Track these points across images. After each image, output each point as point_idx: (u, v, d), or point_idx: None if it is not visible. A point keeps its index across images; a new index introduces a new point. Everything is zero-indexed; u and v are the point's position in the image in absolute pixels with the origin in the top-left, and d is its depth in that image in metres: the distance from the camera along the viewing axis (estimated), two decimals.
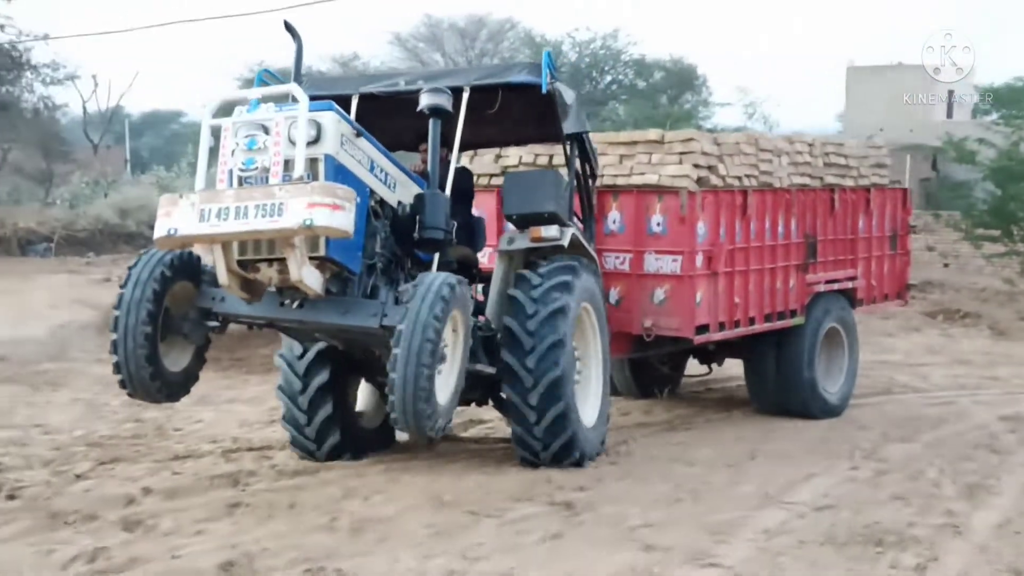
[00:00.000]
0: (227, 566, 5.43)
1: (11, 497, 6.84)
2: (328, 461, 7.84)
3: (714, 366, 11.20)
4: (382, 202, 6.84)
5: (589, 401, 7.99)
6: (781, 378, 10.09)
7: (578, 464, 7.54)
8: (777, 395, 10.16)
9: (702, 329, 9.09)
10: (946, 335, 17.35)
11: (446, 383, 6.31)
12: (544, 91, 7.41)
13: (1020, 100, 38.25)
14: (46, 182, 31.09)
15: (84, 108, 37.81)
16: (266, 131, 6.03)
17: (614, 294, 9.06)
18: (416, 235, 6.91)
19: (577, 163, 8.27)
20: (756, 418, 10.11)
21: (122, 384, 6.47)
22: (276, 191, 5.69)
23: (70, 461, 7.95)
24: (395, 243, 6.94)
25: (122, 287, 6.39)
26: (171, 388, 6.66)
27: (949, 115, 43.42)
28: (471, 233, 8.05)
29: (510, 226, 7.98)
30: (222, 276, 6.11)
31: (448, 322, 6.19)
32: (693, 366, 11.37)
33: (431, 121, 7.03)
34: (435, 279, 6.23)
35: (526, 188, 7.83)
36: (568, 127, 7.83)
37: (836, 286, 10.58)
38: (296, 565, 5.50)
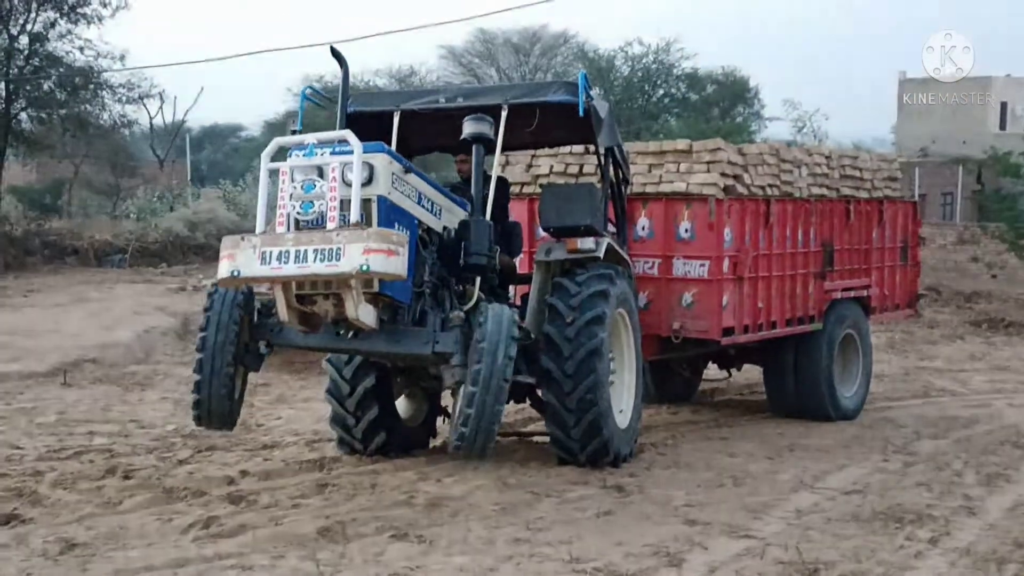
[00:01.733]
0: (324, 531, 6.24)
1: (126, 477, 7.71)
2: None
3: (732, 371, 11.75)
4: (429, 230, 7.25)
5: (623, 403, 8.40)
6: (800, 383, 10.54)
7: (613, 464, 7.95)
8: (796, 400, 10.62)
9: (728, 331, 9.54)
10: (988, 343, 17.80)
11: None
12: (581, 113, 7.80)
13: None
14: (114, 196, 32.29)
15: (151, 124, 39.14)
16: (321, 174, 6.39)
17: (643, 298, 9.49)
18: (462, 261, 7.33)
19: (611, 173, 8.66)
20: (794, 419, 10.77)
21: (197, 419, 7.05)
22: (334, 236, 6.07)
23: (171, 449, 8.82)
24: (442, 267, 7.30)
25: (203, 330, 6.89)
26: (235, 415, 7.21)
27: (1002, 127, 43.48)
28: (509, 240, 8.43)
29: (542, 234, 8.45)
30: (282, 313, 6.52)
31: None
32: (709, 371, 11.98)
33: (474, 147, 7.45)
34: (503, 317, 6.55)
35: (563, 200, 8.22)
36: (603, 141, 8.26)
37: (852, 294, 11.08)
38: (383, 532, 6.31)
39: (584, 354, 7.64)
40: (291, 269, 6.09)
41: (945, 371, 14.67)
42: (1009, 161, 21.34)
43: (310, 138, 6.59)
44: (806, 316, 10.43)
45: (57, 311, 16.00)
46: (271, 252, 6.10)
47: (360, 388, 8.24)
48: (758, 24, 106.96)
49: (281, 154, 6.68)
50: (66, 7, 24.11)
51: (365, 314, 6.45)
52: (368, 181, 6.47)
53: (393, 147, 7.62)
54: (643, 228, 9.65)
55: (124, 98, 29.89)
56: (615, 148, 8.55)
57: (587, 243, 8.00)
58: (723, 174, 9.45)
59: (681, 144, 9.77)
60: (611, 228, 8.87)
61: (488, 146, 7.63)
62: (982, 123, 41.64)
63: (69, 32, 24.61)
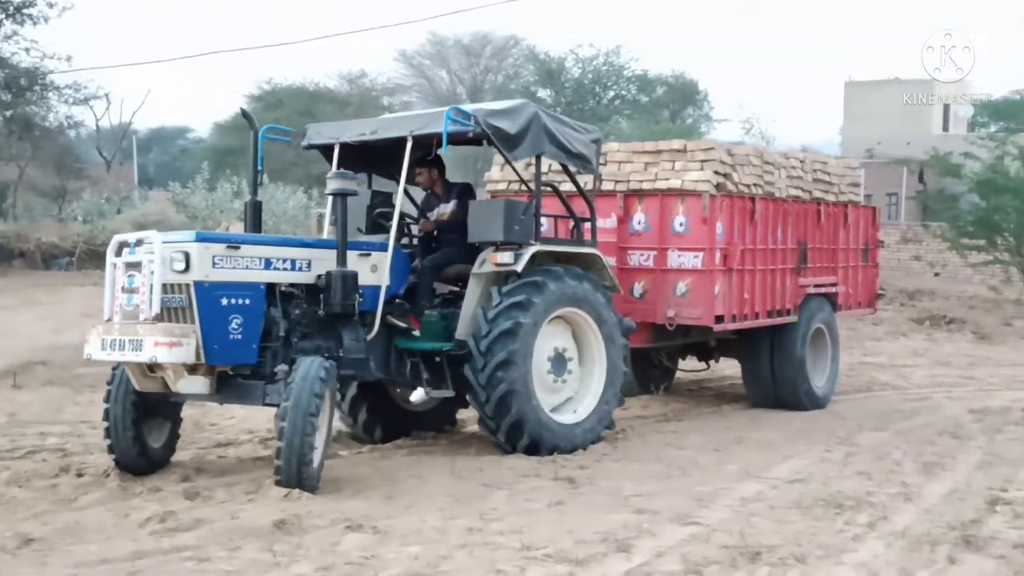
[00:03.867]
0: (280, 524, 6.32)
1: (80, 475, 7.74)
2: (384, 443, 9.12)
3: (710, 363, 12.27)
4: (293, 284, 7.85)
5: (587, 398, 8.88)
6: (776, 374, 11.11)
7: (552, 452, 8.36)
8: (772, 390, 11.17)
9: (719, 319, 10.17)
10: (931, 339, 18.26)
11: (317, 443, 7.15)
12: (445, 149, 8.32)
13: (1018, 113, 39.17)
14: (60, 198, 32.01)
15: (98, 126, 38.82)
16: (140, 271, 7.24)
17: (639, 288, 10.17)
18: (321, 311, 7.90)
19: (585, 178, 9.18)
20: (744, 411, 11.06)
21: (116, 461, 7.76)
22: (139, 329, 7.13)
23: None
24: (326, 307, 7.89)
25: (106, 402, 7.80)
26: (153, 461, 7.89)
27: (945, 128, 44.24)
28: (472, 248, 8.76)
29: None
30: (135, 382, 7.54)
31: (323, 400, 7.14)
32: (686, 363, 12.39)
33: (338, 201, 7.88)
34: (312, 363, 7.17)
35: (483, 216, 8.65)
36: (521, 154, 8.63)
37: (823, 290, 11.72)
38: (338, 524, 6.42)
39: (494, 365, 8.17)
40: (117, 356, 7.25)
41: (888, 366, 15.04)
42: (949, 162, 21.81)
43: (133, 237, 7.50)
44: (784, 309, 11.03)
45: (6, 314, 15.94)
46: (107, 340, 7.24)
47: (348, 394, 9.04)
48: (708, 28, 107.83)
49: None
50: (11, 7, 23.92)
51: (187, 385, 7.37)
52: (186, 268, 7.24)
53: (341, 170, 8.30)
54: (639, 222, 10.31)
55: (70, 99, 29.71)
56: (547, 152, 8.79)
57: (506, 257, 8.42)
58: (716, 172, 10.06)
59: (676, 144, 10.41)
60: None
61: (347, 198, 7.93)
62: (926, 125, 42.34)
63: (15, 33, 24.45)
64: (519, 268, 8.40)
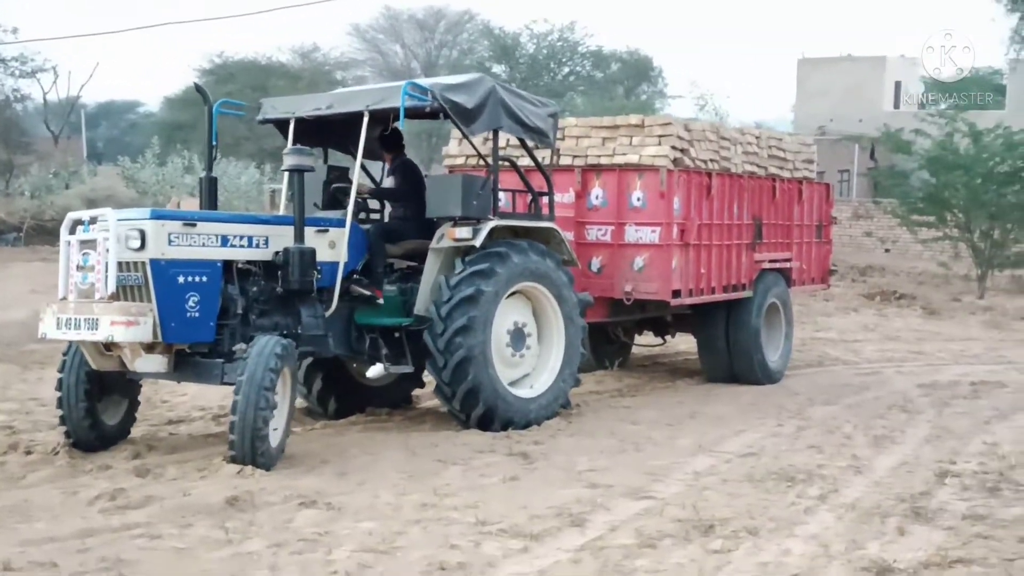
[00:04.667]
0: (232, 501, 6.27)
1: (28, 452, 7.63)
2: (338, 419, 9.12)
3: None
4: (251, 262, 7.81)
5: (544, 373, 8.97)
6: (732, 348, 11.23)
7: (506, 427, 8.43)
8: (727, 363, 11.29)
9: (676, 293, 10.23)
10: (881, 315, 18.46)
11: (278, 424, 7.22)
12: (401, 125, 8.31)
13: (966, 90, 39.44)
14: (7, 173, 31.51)
15: (45, 99, 38.21)
16: (95, 249, 7.15)
17: (596, 263, 10.20)
18: (279, 287, 7.87)
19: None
20: (697, 386, 11.13)
21: (66, 434, 7.69)
22: (95, 308, 7.04)
23: None
24: (284, 284, 7.84)
25: (60, 371, 7.73)
26: (107, 437, 7.81)
27: (896, 106, 44.62)
28: (427, 224, 8.81)
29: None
30: (90, 360, 7.45)
31: (279, 376, 7.12)
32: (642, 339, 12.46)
33: (295, 177, 7.86)
34: (269, 340, 7.16)
35: (440, 192, 8.70)
36: (479, 128, 8.65)
37: (777, 265, 11.84)
38: (291, 500, 6.38)
39: (453, 331, 8.20)
40: (72, 335, 7.18)
41: (839, 341, 15.19)
42: (900, 139, 22.01)
43: (86, 215, 7.40)
44: (740, 284, 11.13)
45: None
46: (62, 319, 7.17)
47: (303, 366, 8.87)
48: (663, 5, 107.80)
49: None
50: None
51: (144, 364, 7.35)
52: (141, 246, 7.17)
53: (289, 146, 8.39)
54: (596, 197, 10.33)
55: (17, 72, 29.23)
56: (503, 127, 8.82)
57: (464, 232, 8.45)
58: (673, 147, 10.09)
59: (634, 119, 10.44)
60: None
61: (304, 174, 7.92)
62: (877, 102, 42.66)
63: None
64: (477, 243, 8.43)
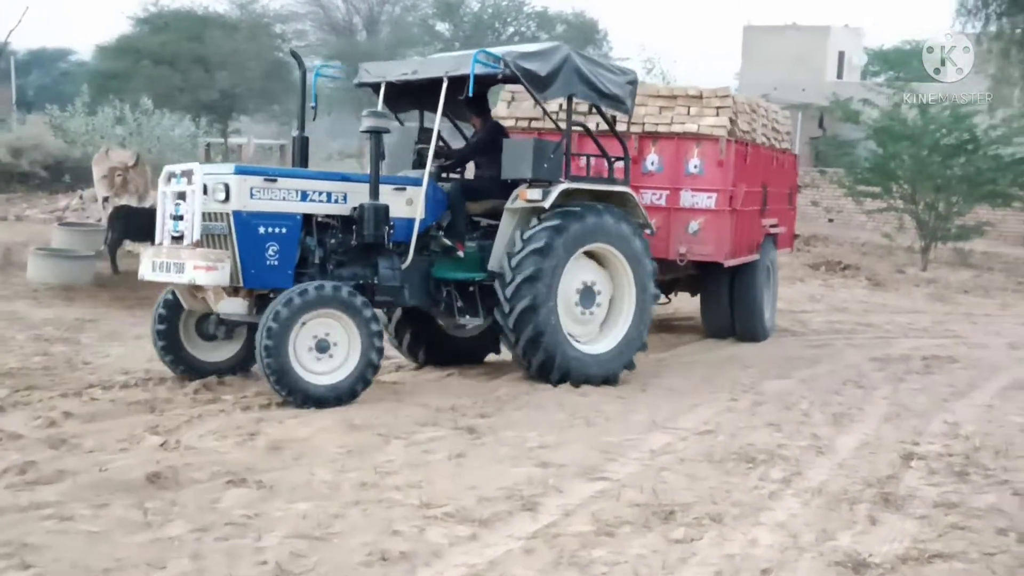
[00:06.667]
0: (153, 477, 5.76)
1: None
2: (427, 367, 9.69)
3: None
4: (329, 216, 8.34)
5: (614, 330, 9.33)
6: (736, 307, 11.88)
7: (584, 383, 8.85)
8: (728, 322, 12.02)
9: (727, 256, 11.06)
10: (827, 285, 18.31)
11: (338, 366, 7.80)
12: (471, 93, 8.49)
13: (908, 63, 39.29)
14: None
15: None
16: (185, 199, 7.87)
17: None
18: (355, 241, 8.33)
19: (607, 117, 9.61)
20: (646, 356, 10.73)
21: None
22: (182, 253, 7.81)
23: None
24: (359, 238, 8.32)
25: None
26: (205, 372, 8.57)
27: (839, 76, 44.62)
28: (507, 185, 9.09)
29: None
30: (183, 301, 8.39)
31: (310, 320, 7.65)
32: None
33: (372, 137, 8.23)
34: (295, 288, 7.69)
35: (515, 155, 9.02)
36: (552, 94, 8.96)
37: (774, 231, 12.67)
38: (218, 478, 5.88)
39: (521, 280, 8.57)
40: (162, 276, 8.05)
41: (786, 312, 14.93)
42: (849, 108, 21.79)
43: (179, 168, 8.11)
44: (754, 247, 11.94)
45: None
46: (156, 262, 8.06)
47: (395, 316, 9.60)
48: None
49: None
50: None
51: (226, 307, 8.04)
52: (225, 198, 7.80)
53: (379, 108, 9.05)
54: (652, 163, 10.95)
55: None
56: (578, 94, 9.11)
57: (535, 193, 8.79)
58: (729, 119, 10.86)
59: (692, 90, 11.18)
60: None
61: (383, 135, 8.37)
62: (821, 71, 42.62)
63: None
64: (547, 204, 8.75)
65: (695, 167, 10.79)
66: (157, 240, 8.14)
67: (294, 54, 9.33)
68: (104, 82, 36.55)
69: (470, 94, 8.50)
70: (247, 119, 45.25)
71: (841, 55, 45.91)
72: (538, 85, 8.72)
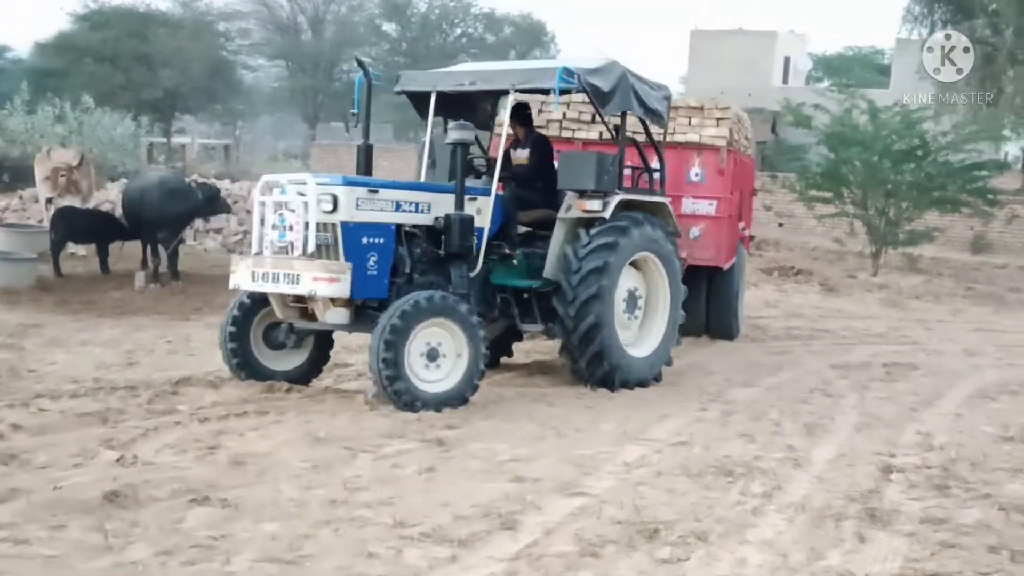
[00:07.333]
0: (112, 496, 5.47)
1: None
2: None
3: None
4: (416, 226, 8.51)
5: (652, 335, 9.65)
6: (711, 307, 12.16)
7: (625, 385, 9.16)
8: (703, 320, 12.21)
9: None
10: (781, 290, 18.29)
11: (447, 374, 7.99)
12: (555, 108, 9.63)
13: (850, 69, 39.62)
14: None
15: None
16: (293, 209, 7.92)
17: None
18: (442, 250, 8.52)
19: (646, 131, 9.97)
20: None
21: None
22: (295, 264, 7.85)
23: None
24: (437, 249, 8.55)
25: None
26: (266, 379, 8.55)
27: (785, 81, 44.97)
28: (553, 194, 9.45)
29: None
30: (278, 311, 8.39)
31: (422, 329, 7.79)
32: None
33: (458, 149, 8.48)
34: (406, 299, 7.82)
35: (576, 166, 9.31)
36: (611, 109, 9.22)
37: (744, 233, 13.28)
38: (180, 495, 5.60)
39: (584, 300, 8.85)
40: (269, 287, 8.09)
41: (744, 317, 14.83)
42: (801, 113, 21.82)
43: (284, 179, 8.35)
44: (734, 249, 12.48)
45: None
46: (257, 272, 8.09)
47: None
48: None
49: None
50: None
51: (332, 316, 8.10)
52: (333, 209, 7.91)
53: (430, 119, 9.41)
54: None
55: None
56: (633, 109, 9.40)
57: (594, 204, 9.06)
58: (730, 130, 11.49)
59: (693, 101, 11.83)
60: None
61: (468, 148, 8.75)
62: (767, 76, 42.92)
63: None
64: (607, 215, 9.05)
65: (696, 175, 11.40)
66: (254, 250, 8.27)
67: (359, 62, 9.32)
68: (43, 80, 35.81)
69: (555, 107, 9.58)
70: (190, 118, 44.60)
71: (787, 60, 46.29)
72: (601, 100, 9.01)
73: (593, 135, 11.63)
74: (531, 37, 52.26)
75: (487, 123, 10.25)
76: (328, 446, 6.78)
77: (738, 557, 5.05)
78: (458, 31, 53.48)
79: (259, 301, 8.54)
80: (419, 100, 9.63)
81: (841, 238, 22.49)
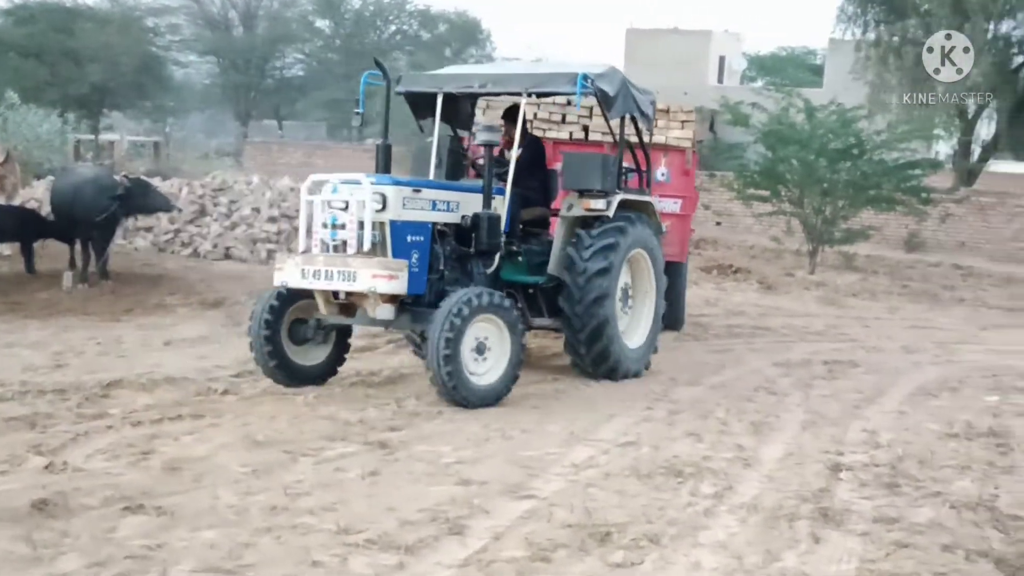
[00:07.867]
0: (41, 504, 5.22)
1: None
2: None
3: None
4: (447, 224, 8.77)
5: (640, 327, 10.07)
6: (669, 299, 11.89)
7: (625, 376, 9.58)
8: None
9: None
10: (720, 288, 18.29)
11: (492, 367, 8.24)
12: (578, 108, 10.44)
13: (784, 68, 39.91)
14: None
15: None
16: (345, 208, 8.04)
17: None
18: (473, 248, 8.83)
19: (636, 133, 10.23)
20: (555, 364, 10.47)
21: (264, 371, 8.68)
22: (352, 261, 7.99)
23: None
24: (462, 246, 8.87)
25: (250, 320, 8.70)
26: (299, 377, 8.69)
27: (720, 80, 45.29)
28: (546, 192, 10.05)
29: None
30: (322, 308, 8.49)
31: (474, 325, 8.00)
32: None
33: (485, 150, 8.79)
34: (460, 296, 8.00)
35: (580, 166, 9.64)
36: (615, 113, 9.57)
37: (692, 232, 13.88)
38: (113, 503, 5.37)
39: (591, 299, 9.19)
40: (322, 284, 8.18)
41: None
42: (739, 112, 21.87)
43: (335, 178, 8.32)
44: (686, 245, 12.98)
45: None
46: (309, 270, 8.16)
47: None
48: None
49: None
50: None
51: (382, 312, 8.23)
52: (382, 208, 8.12)
53: (436, 122, 9.50)
54: None
55: None
56: (632, 112, 9.81)
57: (599, 203, 9.41)
58: (694, 132, 12.03)
59: (660, 105, 11.61)
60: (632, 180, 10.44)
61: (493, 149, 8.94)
62: (703, 75, 43.18)
63: None
64: (610, 213, 9.42)
65: (662, 175, 11.70)
66: (302, 248, 8.31)
67: (378, 63, 9.22)
68: None
69: (577, 108, 10.45)
70: (119, 115, 43.74)
71: (722, 60, 46.65)
72: (608, 104, 9.35)
73: (564, 135, 11.97)
74: (466, 35, 52.07)
75: (468, 124, 10.45)
76: (267, 450, 6.58)
77: (692, 560, 4.95)
78: (392, 28, 53.14)
79: (288, 299, 8.61)
80: (419, 101, 9.81)
81: (779, 236, 22.58)
